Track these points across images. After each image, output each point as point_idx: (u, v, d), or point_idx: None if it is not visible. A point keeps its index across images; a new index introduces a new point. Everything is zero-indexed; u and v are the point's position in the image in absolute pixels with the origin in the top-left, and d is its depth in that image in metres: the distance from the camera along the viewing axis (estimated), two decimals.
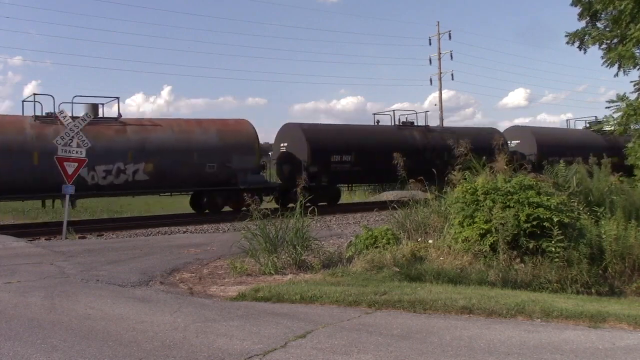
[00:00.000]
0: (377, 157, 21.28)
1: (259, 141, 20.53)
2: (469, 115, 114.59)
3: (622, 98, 12.87)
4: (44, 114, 17.24)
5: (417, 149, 23.20)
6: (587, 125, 30.28)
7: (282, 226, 8.53)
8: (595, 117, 30.15)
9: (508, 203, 8.27)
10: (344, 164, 21.93)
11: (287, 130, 22.52)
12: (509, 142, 27.03)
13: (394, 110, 25.37)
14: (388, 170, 22.76)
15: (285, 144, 22.30)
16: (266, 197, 20.28)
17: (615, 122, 13.08)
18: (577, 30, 13.93)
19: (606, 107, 13.18)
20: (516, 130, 29.10)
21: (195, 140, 18.89)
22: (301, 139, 21.35)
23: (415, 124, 25.24)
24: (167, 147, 18.25)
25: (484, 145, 24.18)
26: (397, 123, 24.89)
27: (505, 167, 9.82)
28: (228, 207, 19.77)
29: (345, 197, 29.36)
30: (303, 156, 21.11)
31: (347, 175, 22.66)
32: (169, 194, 20.71)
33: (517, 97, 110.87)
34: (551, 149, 27.13)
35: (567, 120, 32.23)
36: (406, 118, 25.38)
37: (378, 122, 24.96)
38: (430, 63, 43.35)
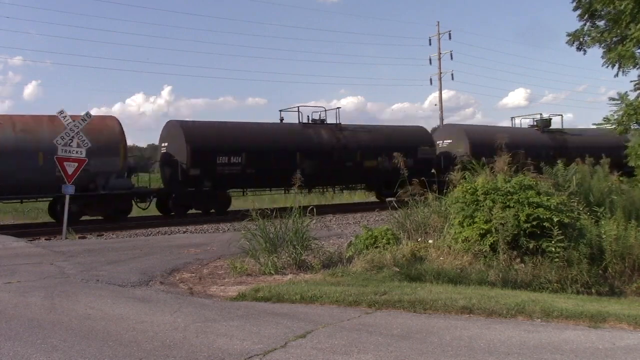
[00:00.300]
0: (276, 159, 19.88)
1: (125, 140, 17.99)
2: (469, 115, 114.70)
3: (622, 97, 12.86)
4: None
5: (324, 149, 21.48)
6: (534, 123, 28.77)
7: (282, 226, 8.53)
8: (541, 114, 28.84)
9: (508, 203, 8.27)
10: (234, 167, 19.33)
11: (168, 129, 20.21)
12: (440, 141, 25.96)
13: (298, 106, 22.68)
14: (291, 173, 20.70)
15: (166, 144, 20.09)
16: (142, 204, 18.82)
17: (615, 121, 13.06)
18: (577, 30, 13.92)
19: (608, 105, 13.09)
20: (448, 129, 27.34)
21: (43, 140, 15.80)
22: (181, 138, 18.91)
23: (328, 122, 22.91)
24: (7, 148, 15.85)
25: (407, 145, 22.54)
26: (305, 120, 22.46)
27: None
28: (88, 215, 17.63)
29: (346, 197, 29.31)
30: (182, 157, 18.72)
31: (238, 179, 19.89)
32: (20, 201, 18.32)
33: (517, 97, 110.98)
34: (486, 149, 26.33)
35: (512, 118, 30.79)
36: (319, 115, 22.75)
37: (282, 119, 22.58)
38: (430, 63, 43.43)
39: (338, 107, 23.49)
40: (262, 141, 20.42)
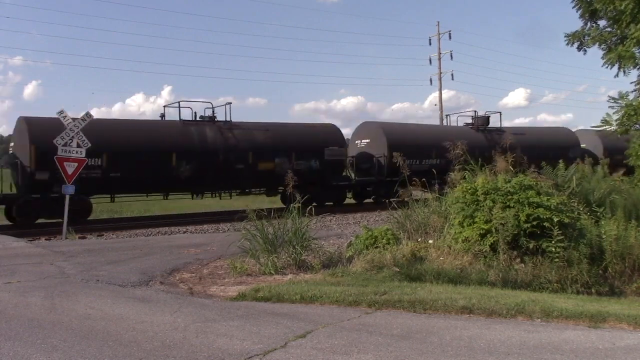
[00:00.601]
0: (148, 161, 17.62)
1: None
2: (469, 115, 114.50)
3: (623, 97, 12.84)
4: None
5: (209, 150, 19.07)
6: (471, 121, 26.80)
7: (281, 226, 8.53)
8: (475, 111, 26.94)
9: (508, 203, 8.27)
10: (92, 170, 16.49)
11: (16, 125, 17.94)
12: (358, 141, 24.09)
13: (179, 102, 20.31)
14: (168, 177, 18.22)
15: (13, 144, 17.88)
16: None
17: (615, 122, 13.04)
18: (577, 30, 13.92)
19: (609, 106, 13.03)
20: (366, 128, 24.59)
21: None
22: (25, 136, 16.53)
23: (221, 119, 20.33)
24: None
25: (313, 145, 21.17)
26: (194, 117, 20.13)
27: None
28: None
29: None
30: (26, 159, 16.28)
31: (99, 185, 17.17)
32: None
33: (517, 97, 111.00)
34: (407, 149, 21.52)
35: (447, 115, 28.16)
36: (212, 112, 20.44)
37: (162, 116, 19.94)
38: (430, 63, 43.38)
39: (229, 102, 20.50)
40: (129, 141, 17.78)
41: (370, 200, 23.34)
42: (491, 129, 26.49)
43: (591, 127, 25.76)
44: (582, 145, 28.15)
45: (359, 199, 23.86)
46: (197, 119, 20.10)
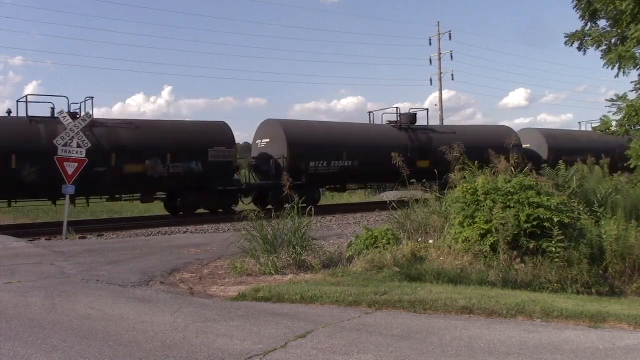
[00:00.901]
0: None
1: None
2: (469, 115, 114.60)
3: (620, 97, 12.83)
4: None
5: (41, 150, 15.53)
6: (397, 120, 24.02)
7: (280, 227, 8.53)
8: (397, 108, 24.32)
9: (508, 203, 8.27)
10: None
11: None
12: (258, 141, 21.82)
13: (26, 95, 17.64)
14: (7, 181, 15.19)
15: None
16: None
17: (617, 123, 13.02)
18: (576, 31, 13.91)
19: (606, 107, 13.04)
20: (267, 125, 21.86)
21: None
22: None
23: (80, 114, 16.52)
24: None
25: (194, 145, 18.35)
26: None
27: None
28: None
29: (345, 198, 29.32)
30: None
31: None
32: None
33: (517, 97, 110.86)
34: (310, 150, 20.29)
35: (369, 112, 25.10)
36: (68, 106, 17.44)
37: (9, 112, 17.24)
38: (430, 63, 43.30)
39: (90, 97, 17.96)
40: None
41: (270, 207, 19.83)
42: (417, 127, 24.07)
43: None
44: (525, 146, 25.92)
45: (262, 205, 20.19)
46: (55, 115, 16.56)
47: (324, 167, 20.44)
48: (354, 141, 21.68)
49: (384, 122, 24.30)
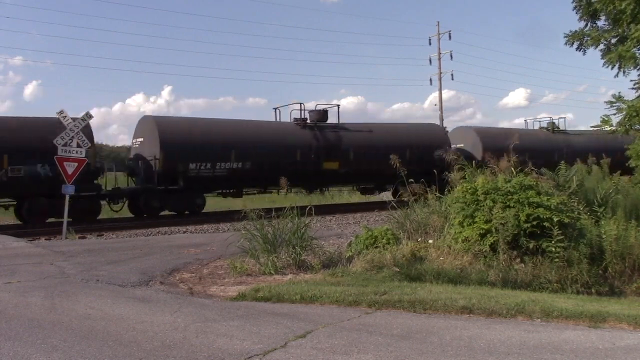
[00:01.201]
0: None
1: None
2: (469, 115, 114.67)
3: (619, 98, 12.82)
4: None
5: None
6: (302, 117, 21.82)
7: (280, 227, 8.52)
8: (302, 103, 22.24)
9: (508, 203, 8.27)
10: None
11: None
12: (134, 140, 19.90)
13: None
14: None
15: None
16: None
17: (617, 123, 13.00)
18: (576, 31, 13.90)
19: (606, 108, 12.98)
20: (144, 123, 19.63)
21: None
22: None
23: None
24: None
25: (44, 145, 14.50)
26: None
27: None
28: None
29: (345, 198, 29.29)
30: None
31: None
32: None
33: (517, 97, 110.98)
34: (192, 149, 18.16)
35: (274, 109, 23.02)
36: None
37: None
38: (430, 63, 43.21)
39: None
40: None
41: (145, 215, 18.36)
42: (326, 125, 21.69)
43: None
44: (459, 146, 24.54)
45: (134, 212, 18.94)
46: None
47: (208, 169, 18.21)
48: (246, 141, 19.26)
49: (292, 120, 21.86)
